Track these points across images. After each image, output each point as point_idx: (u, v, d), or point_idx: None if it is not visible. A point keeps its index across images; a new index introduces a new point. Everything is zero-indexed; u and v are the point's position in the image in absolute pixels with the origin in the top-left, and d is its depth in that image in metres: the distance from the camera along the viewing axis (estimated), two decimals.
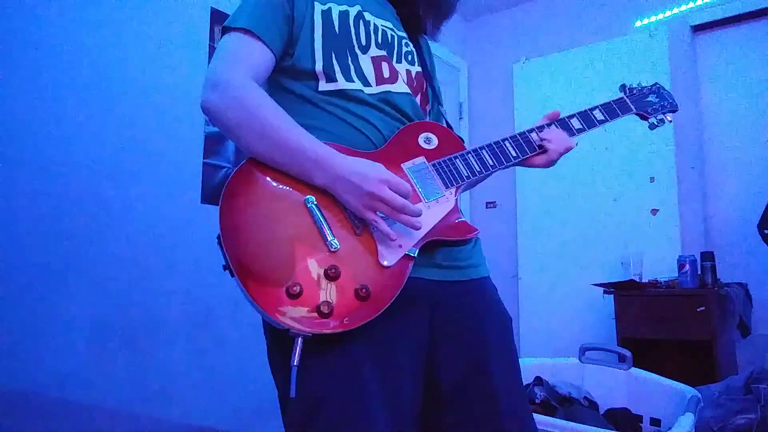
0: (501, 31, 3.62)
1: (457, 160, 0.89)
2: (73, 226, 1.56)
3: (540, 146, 0.97)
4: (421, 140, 0.90)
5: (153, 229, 1.75)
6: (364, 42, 0.93)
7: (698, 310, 2.21)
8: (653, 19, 3.03)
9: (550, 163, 1.01)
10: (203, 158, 1.94)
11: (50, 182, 1.52)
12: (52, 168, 1.53)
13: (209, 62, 1.98)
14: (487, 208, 3.49)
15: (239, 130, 0.80)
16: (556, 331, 3.05)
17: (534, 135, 0.98)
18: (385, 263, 0.77)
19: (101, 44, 1.67)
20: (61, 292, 1.51)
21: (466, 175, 0.89)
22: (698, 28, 2.92)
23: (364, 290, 0.74)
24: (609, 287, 2.52)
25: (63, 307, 1.51)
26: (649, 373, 1.81)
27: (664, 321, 2.29)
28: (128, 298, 1.66)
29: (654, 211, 2.86)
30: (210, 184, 1.94)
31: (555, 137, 0.98)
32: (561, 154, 0.99)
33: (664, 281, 2.51)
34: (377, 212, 0.78)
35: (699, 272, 2.40)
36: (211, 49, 1.99)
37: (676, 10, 2.97)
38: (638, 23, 3.08)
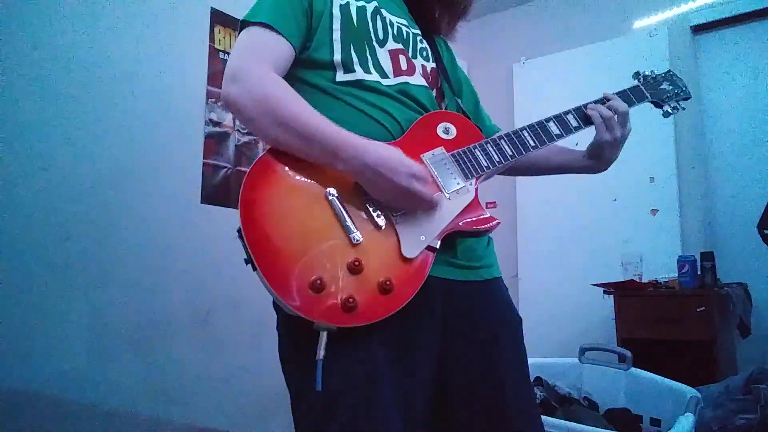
0: (501, 31, 3.62)
1: (477, 150, 0.89)
2: (72, 226, 1.55)
3: (588, 117, 0.98)
4: (439, 130, 0.90)
5: (153, 229, 1.75)
6: (381, 36, 0.93)
7: (698, 310, 2.21)
8: (653, 19, 3.03)
9: (612, 147, 1.00)
10: (203, 158, 1.94)
11: (50, 182, 1.52)
12: (52, 168, 1.52)
13: (209, 61, 2.00)
14: (487, 207, 3.47)
15: (262, 121, 0.80)
16: (556, 331, 3.05)
17: (552, 124, 0.97)
18: (408, 255, 0.77)
19: (101, 44, 1.67)
20: (61, 291, 1.51)
21: (486, 165, 0.89)
22: (698, 28, 2.92)
23: (387, 283, 0.74)
24: (609, 287, 2.52)
25: (63, 307, 1.51)
26: (649, 373, 1.81)
27: (664, 321, 2.29)
28: (128, 298, 1.66)
29: (654, 211, 2.86)
30: (210, 184, 1.94)
31: (611, 104, 0.99)
32: (623, 132, 1.00)
33: (664, 281, 2.50)
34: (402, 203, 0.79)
35: (699, 272, 2.40)
36: (211, 49, 1.99)
37: (676, 10, 2.97)
38: (638, 23, 3.08)
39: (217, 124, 1.99)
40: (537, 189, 3.21)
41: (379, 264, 0.75)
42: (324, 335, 0.69)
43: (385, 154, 0.77)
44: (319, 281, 0.70)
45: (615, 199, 2.97)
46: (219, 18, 2.02)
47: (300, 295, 0.70)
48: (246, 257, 0.72)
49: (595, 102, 1.01)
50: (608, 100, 1.00)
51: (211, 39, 2.00)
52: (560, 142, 0.99)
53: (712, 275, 2.37)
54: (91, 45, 1.64)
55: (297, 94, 0.82)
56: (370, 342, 0.75)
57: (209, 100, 1.97)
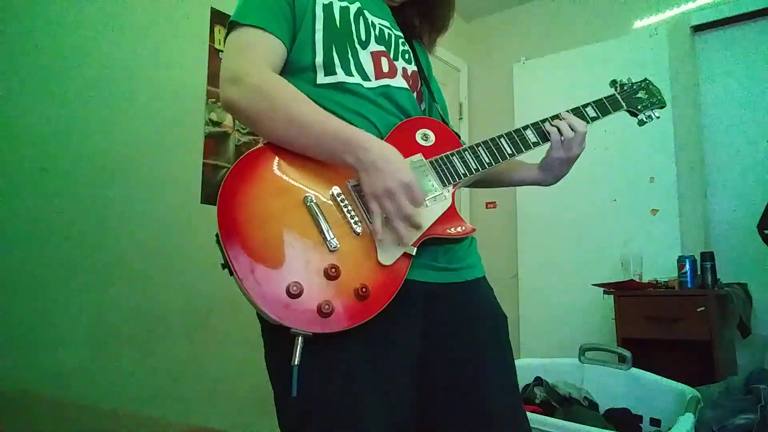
0: (501, 31, 3.62)
1: (454, 158, 0.89)
2: (73, 226, 1.56)
3: (548, 132, 0.97)
4: (418, 137, 0.90)
5: (153, 229, 1.75)
6: (363, 37, 0.93)
7: (698, 310, 2.21)
8: (653, 19, 3.03)
9: (563, 165, 1.00)
10: (203, 158, 1.94)
11: (50, 182, 1.52)
12: (52, 168, 1.53)
13: (209, 61, 1.99)
14: (487, 208, 3.49)
15: (265, 119, 0.80)
16: (556, 331, 3.05)
17: (529, 132, 0.97)
18: (384, 262, 0.77)
19: (101, 44, 1.67)
20: (61, 291, 1.51)
21: (463, 173, 0.89)
22: (698, 28, 2.92)
23: (363, 289, 0.74)
24: (609, 287, 2.52)
25: (63, 306, 1.51)
26: (649, 373, 1.81)
27: (664, 321, 2.29)
28: (128, 298, 1.66)
29: (654, 211, 2.86)
30: (210, 184, 1.94)
31: (571, 122, 0.98)
32: (578, 152, 0.98)
33: (664, 281, 2.50)
34: (382, 207, 0.77)
35: (699, 272, 2.40)
36: (211, 49, 1.99)
37: (676, 10, 2.97)
38: (638, 23, 3.08)
39: (217, 124, 1.99)
40: (537, 189, 3.18)
41: (356, 270, 0.75)
42: (299, 341, 0.69)
43: (387, 154, 0.78)
44: (295, 287, 0.70)
45: (615, 199, 2.97)
46: (219, 18, 2.02)
47: (277, 300, 0.70)
48: (223, 262, 0.72)
49: (552, 118, 1.00)
50: (563, 119, 0.99)
51: (211, 39, 2.00)
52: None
53: (712, 275, 2.37)
54: (91, 45, 1.64)
55: (299, 92, 0.81)
56: (348, 348, 0.75)
57: (209, 100, 1.97)
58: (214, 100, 1.98)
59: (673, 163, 2.83)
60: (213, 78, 1.98)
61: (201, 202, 1.91)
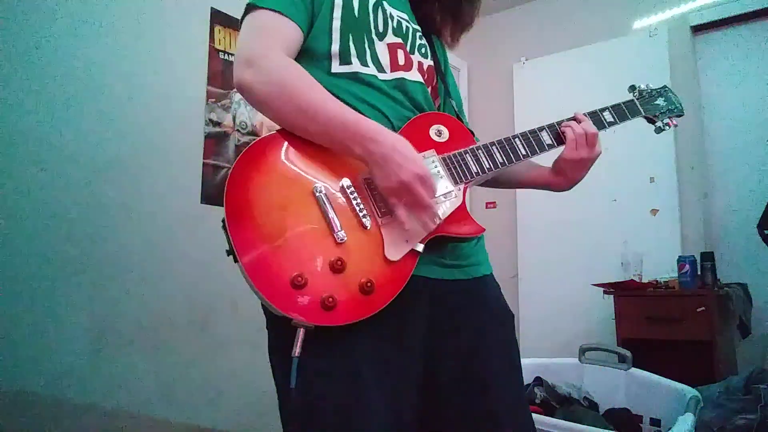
0: (501, 31, 3.62)
1: (468, 156, 0.89)
2: (73, 226, 1.55)
3: (563, 133, 0.97)
4: (432, 132, 0.90)
5: (153, 229, 1.75)
6: (381, 29, 0.92)
7: (698, 310, 2.21)
8: (653, 19, 3.03)
9: (576, 168, 0.99)
10: (203, 158, 1.94)
11: (50, 182, 1.52)
12: (51, 168, 1.52)
13: (209, 62, 1.99)
14: (487, 208, 3.49)
15: (278, 106, 0.79)
16: (556, 331, 3.05)
17: (545, 134, 0.97)
18: (391, 258, 0.77)
19: (101, 44, 1.67)
20: (61, 291, 1.51)
21: (476, 171, 0.88)
22: (698, 28, 2.92)
23: (369, 284, 0.73)
24: (609, 287, 2.52)
25: (63, 306, 1.51)
26: (649, 373, 1.81)
27: (664, 321, 2.29)
28: (128, 298, 1.66)
29: (654, 211, 2.86)
30: (210, 184, 1.94)
31: (582, 126, 0.97)
32: (590, 155, 0.98)
33: (664, 281, 2.50)
34: (401, 198, 0.77)
35: (699, 272, 2.40)
36: (211, 50, 1.99)
37: (676, 10, 2.97)
38: (638, 23, 3.08)
39: (217, 124, 1.99)
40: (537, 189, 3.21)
41: (362, 264, 0.75)
42: (300, 332, 0.68)
43: (399, 146, 0.77)
44: (300, 278, 0.70)
45: (615, 199, 2.97)
46: (219, 18, 2.02)
47: (280, 290, 0.69)
48: (228, 248, 0.71)
49: (568, 120, 1.00)
50: (579, 121, 0.99)
51: (211, 39, 2.00)
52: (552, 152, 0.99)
53: (712, 275, 2.37)
54: (91, 45, 1.64)
55: (313, 79, 0.80)
56: (353, 343, 0.74)
57: (209, 100, 1.97)
58: (214, 100, 1.98)
59: (673, 163, 2.83)
60: (213, 78, 1.98)
61: (201, 202, 1.91)
